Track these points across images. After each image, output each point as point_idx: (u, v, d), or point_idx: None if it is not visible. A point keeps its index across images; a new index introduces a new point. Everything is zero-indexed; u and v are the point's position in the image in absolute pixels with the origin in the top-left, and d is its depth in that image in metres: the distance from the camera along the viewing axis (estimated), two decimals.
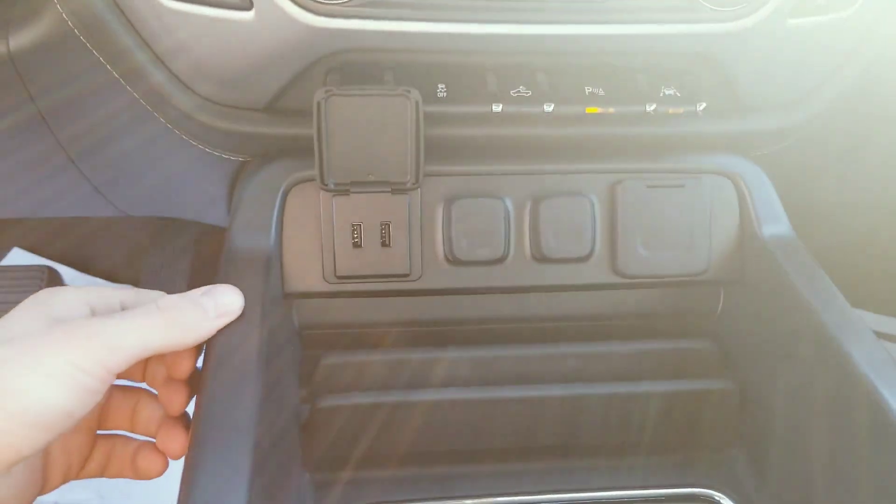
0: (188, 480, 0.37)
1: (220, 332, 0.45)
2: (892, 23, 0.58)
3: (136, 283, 1.19)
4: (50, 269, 1.14)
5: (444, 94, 0.54)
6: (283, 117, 0.55)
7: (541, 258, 0.56)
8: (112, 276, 1.20)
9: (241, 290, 0.48)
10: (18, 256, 1.22)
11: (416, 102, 0.51)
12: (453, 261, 0.55)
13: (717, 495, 0.55)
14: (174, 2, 0.48)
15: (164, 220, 1.16)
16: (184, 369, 0.45)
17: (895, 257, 0.90)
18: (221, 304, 0.44)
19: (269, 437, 0.46)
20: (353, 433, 0.54)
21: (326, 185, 0.53)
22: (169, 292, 0.45)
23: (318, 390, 0.55)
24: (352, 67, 0.54)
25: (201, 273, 1.15)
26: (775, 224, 0.57)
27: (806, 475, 0.51)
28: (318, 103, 0.50)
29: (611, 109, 0.55)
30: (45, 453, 0.43)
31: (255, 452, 0.39)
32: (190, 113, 0.55)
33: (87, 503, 1.02)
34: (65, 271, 1.22)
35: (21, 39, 0.54)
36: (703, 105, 0.55)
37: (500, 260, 0.56)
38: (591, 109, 0.55)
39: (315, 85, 0.53)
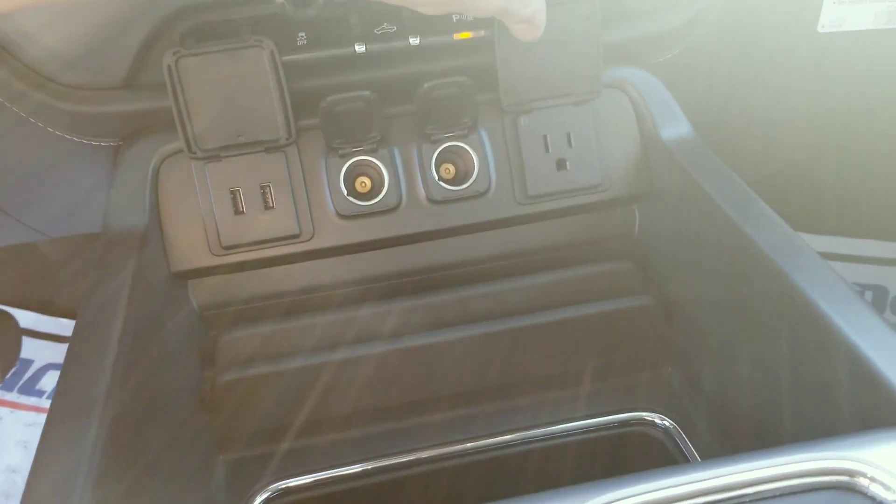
0: (31, 475, 0.35)
1: (85, 311, 0.43)
2: None
3: None
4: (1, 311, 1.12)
5: (304, 41, 0.51)
6: (144, 92, 0.53)
7: (436, 200, 0.54)
8: (66, 312, 1.18)
9: (115, 274, 0.46)
10: None
11: (272, 52, 0.49)
12: (344, 215, 0.53)
13: (650, 416, 0.52)
14: None
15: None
16: None
17: (822, 175, 0.87)
18: None
19: (158, 422, 0.43)
20: (262, 406, 0.52)
21: (194, 153, 0.50)
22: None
23: (223, 368, 0.52)
24: (207, 29, 0.51)
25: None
26: (674, 126, 0.55)
27: (737, 386, 0.48)
28: (169, 67, 0.48)
29: (482, 32, 0.52)
30: None
31: (107, 440, 0.37)
32: (49, 102, 0.52)
33: None
34: (22, 315, 1.20)
35: None
36: None
37: (394, 207, 0.54)
38: (461, 35, 0.52)
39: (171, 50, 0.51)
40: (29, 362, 1.19)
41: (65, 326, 1.22)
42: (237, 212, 0.52)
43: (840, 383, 0.37)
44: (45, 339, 1.21)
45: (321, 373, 0.52)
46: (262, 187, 0.52)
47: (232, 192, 0.52)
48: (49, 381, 1.18)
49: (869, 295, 1.15)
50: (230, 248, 0.52)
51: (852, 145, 0.88)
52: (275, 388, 0.52)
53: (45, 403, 1.16)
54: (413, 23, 0.52)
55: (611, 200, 0.56)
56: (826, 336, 0.37)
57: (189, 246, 0.52)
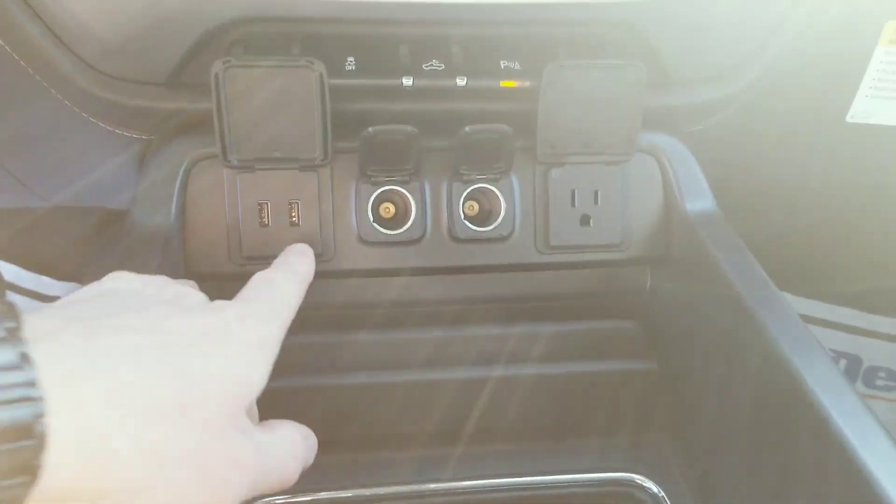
0: None
1: None
2: None
3: (79, 279, 1.15)
4: None
5: (353, 66, 0.52)
6: (186, 91, 0.53)
7: (459, 238, 0.54)
8: (51, 272, 1.16)
9: (135, 269, 0.46)
10: None
11: (321, 74, 0.49)
12: (367, 241, 0.53)
13: (639, 479, 0.53)
14: None
15: (111, 211, 1.12)
16: None
17: (838, 247, 0.89)
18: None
19: None
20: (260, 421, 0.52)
21: (229, 161, 0.50)
22: None
23: None
24: (257, 40, 0.52)
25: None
26: (699, 200, 0.56)
27: (729, 460, 0.49)
28: (217, 75, 0.48)
29: (527, 83, 0.53)
30: None
31: None
32: (89, 89, 0.52)
33: None
34: (4, 268, 1.18)
35: None
36: None
37: (416, 240, 0.54)
38: (506, 83, 0.53)
39: (218, 58, 0.51)
40: None
41: (46, 285, 1.20)
42: (262, 224, 0.52)
43: (834, 487, 0.39)
44: (25, 295, 1.19)
45: (314, 394, 0.52)
46: (290, 203, 0.52)
47: (260, 205, 0.52)
48: None
49: (843, 363, 1.17)
50: (250, 258, 0.52)
51: (855, 223, 0.90)
52: (266, 403, 0.52)
53: None
54: (462, 63, 0.52)
55: (627, 260, 0.57)
56: (822, 434, 0.39)
57: (209, 251, 0.52)
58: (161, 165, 0.52)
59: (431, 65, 0.52)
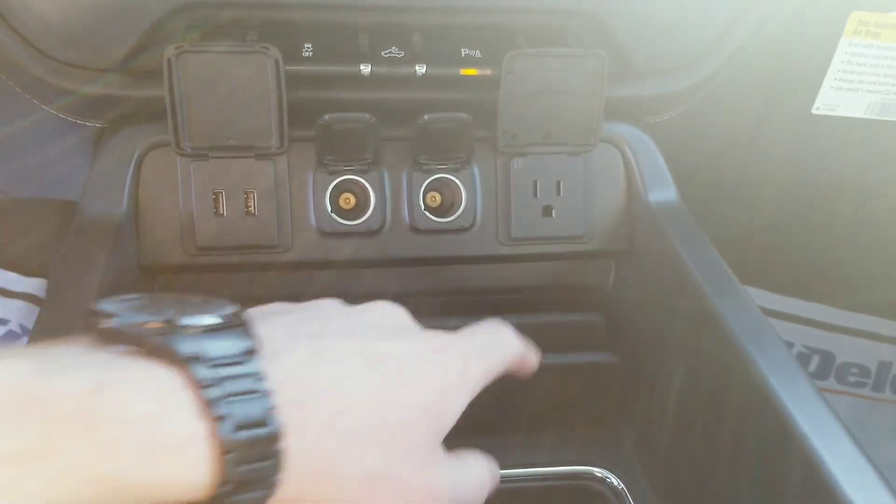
0: None
1: (50, 301, 0.42)
2: None
3: (46, 275, 1.13)
4: None
5: (310, 53, 0.51)
6: (140, 78, 0.51)
7: (420, 229, 0.54)
8: (16, 268, 1.14)
9: (86, 260, 0.45)
10: None
11: (276, 60, 0.48)
12: (325, 232, 0.52)
13: (599, 472, 0.52)
14: None
15: (72, 203, 1.10)
16: None
17: (788, 239, 0.89)
18: None
19: None
20: None
21: (182, 149, 0.49)
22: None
23: None
24: (213, 25, 0.51)
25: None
26: (661, 191, 0.55)
27: (688, 452, 0.49)
28: (169, 60, 0.47)
29: (488, 72, 0.52)
30: None
31: None
32: (41, 76, 0.51)
33: None
34: None
35: None
36: None
37: (376, 231, 0.53)
38: (467, 71, 0.52)
39: (174, 43, 0.50)
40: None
41: (12, 281, 1.18)
42: (217, 213, 0.51)
43: (789, 481, 0.38)
44: (19, 300, 1.16)
45: None
46: (245, 193, 0.51)
47: (214, 194, 0.51)
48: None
49: (816, 359, 1.18)
50: (205, 249, 0.51)
51: (821, 217, 0.90)
52: None
53: None
54: (422, 51, 0.52)
55: (590, 252, 0.56)
56: (780, 429, 0.38)
57: (163, 241, 0.51)
58: (112, 154, 0.51)
59: (390, 52, 0.51)
